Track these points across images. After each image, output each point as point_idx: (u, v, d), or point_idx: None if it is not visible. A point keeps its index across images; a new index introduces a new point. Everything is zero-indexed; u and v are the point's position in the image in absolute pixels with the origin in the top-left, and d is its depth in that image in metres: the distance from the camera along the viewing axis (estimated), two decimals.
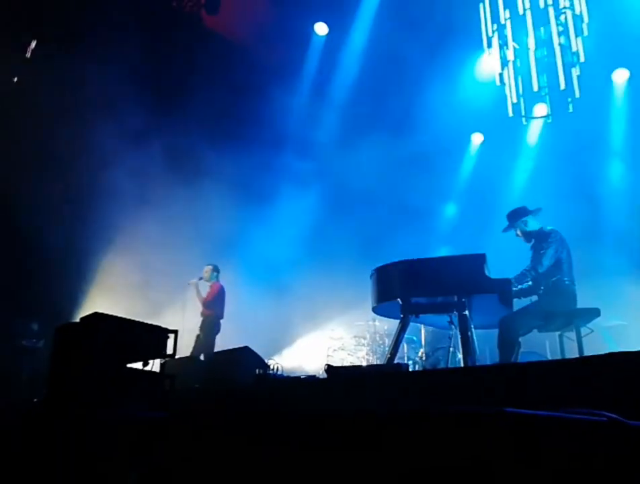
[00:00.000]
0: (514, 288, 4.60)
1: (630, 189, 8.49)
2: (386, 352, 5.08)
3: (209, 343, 7.48)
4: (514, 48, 7.82)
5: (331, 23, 10.11)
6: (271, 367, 5.31)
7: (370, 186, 9.69)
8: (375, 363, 7.86)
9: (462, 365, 4.55)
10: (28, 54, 7.69)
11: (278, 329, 9.06)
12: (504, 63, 7.96)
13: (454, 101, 9.44)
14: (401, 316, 4.56)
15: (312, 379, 5.04)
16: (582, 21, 7.41)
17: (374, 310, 4.94)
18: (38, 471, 2.76)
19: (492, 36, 7.98)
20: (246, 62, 9.54)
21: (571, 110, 7.75)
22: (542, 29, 7.61)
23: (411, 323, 4.70)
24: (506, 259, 5.19)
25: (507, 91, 8.04)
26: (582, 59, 7.44)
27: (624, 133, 8.92)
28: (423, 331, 7.46)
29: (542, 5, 7.40)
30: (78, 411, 3.17)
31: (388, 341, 7.97)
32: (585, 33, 7.43)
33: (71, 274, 7.65)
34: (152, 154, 8.16)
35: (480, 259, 4.39)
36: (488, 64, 8.78)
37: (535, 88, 7.65)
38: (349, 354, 8.62)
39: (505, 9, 7.79)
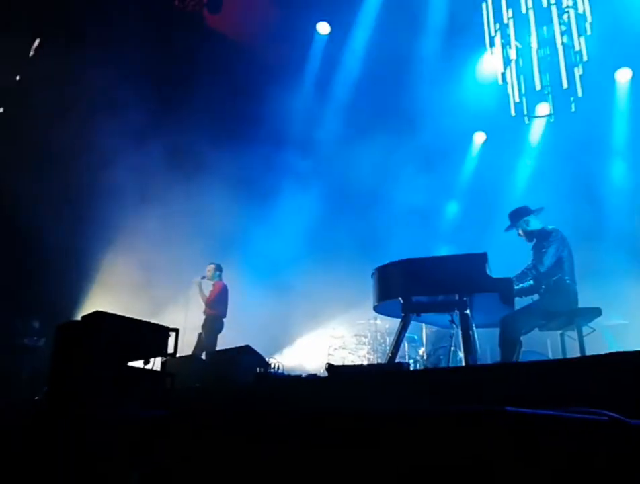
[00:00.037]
0: (515, 287, 4.61)
1: (632, 188, 8.46)
2: (388, 351, 5.08)
3: (211, 342, 7.48)
4: (517, 47, 7.81)
5: (333, 23, 10.13)
6: (272, 366, 5.29)
7: (371, 185, 9.69)
8: (376, 362, 7.85)
9: (463, 364, 4.55)
10: (31, 53, 7.70)
11: (279, 328, 9.04)
12: (507, 62, 7.95)
13: (456, 100, 9.42)
14: (402, 315, 4.56)
15: (313, 378, 5.04)
16: (585, 20, 7.40)
17: (376, 308, 4.94)
18: (39, 471, 2.76)
19: (495, 35, 7.99)
20: (248, 61, 9.55)
21: (573, 109, 7.75)
22: (544, 28, 7.60)
23: (413, 322, 4.70)
24: (508, 258, 5.18)
25: (509, 90, 8.03)
26: (585, 58, 7.42)
27: (627, 132, 8.88)
28: (424, 330, 7.47)
29: (545, 4, 7.40)
30: (79, 410, 3.17)
31: (389, 340, 7.98)
32: (588, 32, 7.41)
33: (71, 274, 7.64)
34: (153, 153, 8.16)
35: (481, 258, 4.38)
36: (490, 63, 8.74)
37: (537, 87, 7.63)
38: (350, 353, 8.62)
39: (507, 8, 7.80)
